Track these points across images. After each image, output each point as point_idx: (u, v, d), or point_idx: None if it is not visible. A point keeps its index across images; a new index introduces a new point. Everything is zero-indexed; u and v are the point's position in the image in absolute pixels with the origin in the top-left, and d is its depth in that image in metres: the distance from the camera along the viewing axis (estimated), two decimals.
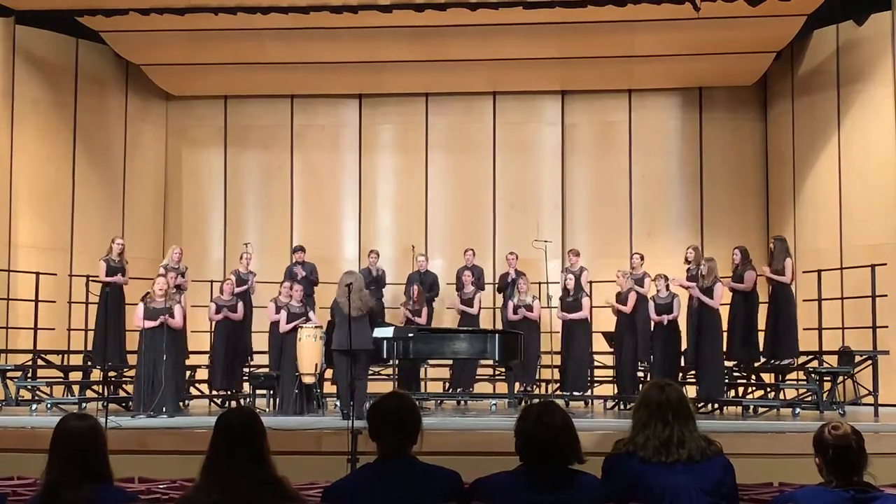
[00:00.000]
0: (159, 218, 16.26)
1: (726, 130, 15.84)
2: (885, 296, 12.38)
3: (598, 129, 16.13)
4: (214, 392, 13.16)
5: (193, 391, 13.54)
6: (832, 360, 12.41)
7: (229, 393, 13.01)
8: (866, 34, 13.90)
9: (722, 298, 11.84)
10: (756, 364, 12.46)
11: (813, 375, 11.99)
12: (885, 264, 12.48)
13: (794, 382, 12.56)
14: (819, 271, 12.81)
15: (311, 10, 13.33)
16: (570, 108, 16.15)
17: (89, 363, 13.09)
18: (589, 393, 13.49)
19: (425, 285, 13.97)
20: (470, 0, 13.22)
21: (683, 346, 12.25)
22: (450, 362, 13.35)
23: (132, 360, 12.43)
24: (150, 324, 11.27)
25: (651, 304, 12.28)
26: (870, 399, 11.75)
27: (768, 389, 12.50)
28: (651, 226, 15.76)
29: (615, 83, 15.84)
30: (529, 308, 13.09)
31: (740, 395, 12.63)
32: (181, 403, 12.56)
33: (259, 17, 13.43)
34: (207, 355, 13.37)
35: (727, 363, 12.45)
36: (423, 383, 13.48)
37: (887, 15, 13.50)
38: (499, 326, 13.64)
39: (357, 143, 16.38)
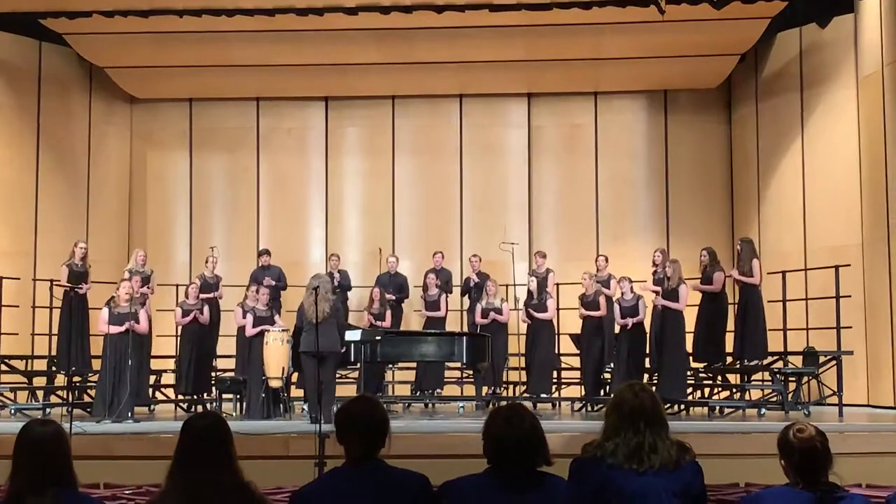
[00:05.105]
0: (124, 221, 16.11)
1: (691, 133, 15.92)
2: (849, 297, 12.53)
3: (565, 131, 16.16)
4: (181, 397, 13.09)
5: (159, 396, 13.43)
6: (797, 361, 12.50)
7: (196, 398, 12.93)
8: (829, 37, 14.03)
9: (687, 300, 11.89)
10: (723, 365, 12.51)
11: (778, 376, 12.08)
12: (849, 265, 12.63)
13: (760, 383, 12.65)
14: (783, 272, 12.93)
15: (276, 12, 13.29)
16: (537, 111, 16.17)
17: (53, 368, 12.97)
18: (556, 395, 13.52)
19: (394, 287, 13.87)
20: (436, 3, 13.23)
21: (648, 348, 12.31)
22: (414, 364, 13.30)
23: (96, 365, 12.34)
24: (115, 329, 11.19)
25: (616, 307, 12.33)
26: (834, 399, 11.85)
27: (734, 390, 12.57)
28: (617, 228, 15.81)
29: (581, 86, 15.89)
30: (498, 311, 13.06)
31: (706, 395, 12.69)
32: (147, 408, 12.57)
33: (224, 20, 13.37)
34: (173, 360, 13.30)
35: (695, 364, 12.54)
36: (389, 386, 13.48)
37: (850, 18, 13.65)
38: (465, 329, 13.63)
39: (323, 146, 16.32)
